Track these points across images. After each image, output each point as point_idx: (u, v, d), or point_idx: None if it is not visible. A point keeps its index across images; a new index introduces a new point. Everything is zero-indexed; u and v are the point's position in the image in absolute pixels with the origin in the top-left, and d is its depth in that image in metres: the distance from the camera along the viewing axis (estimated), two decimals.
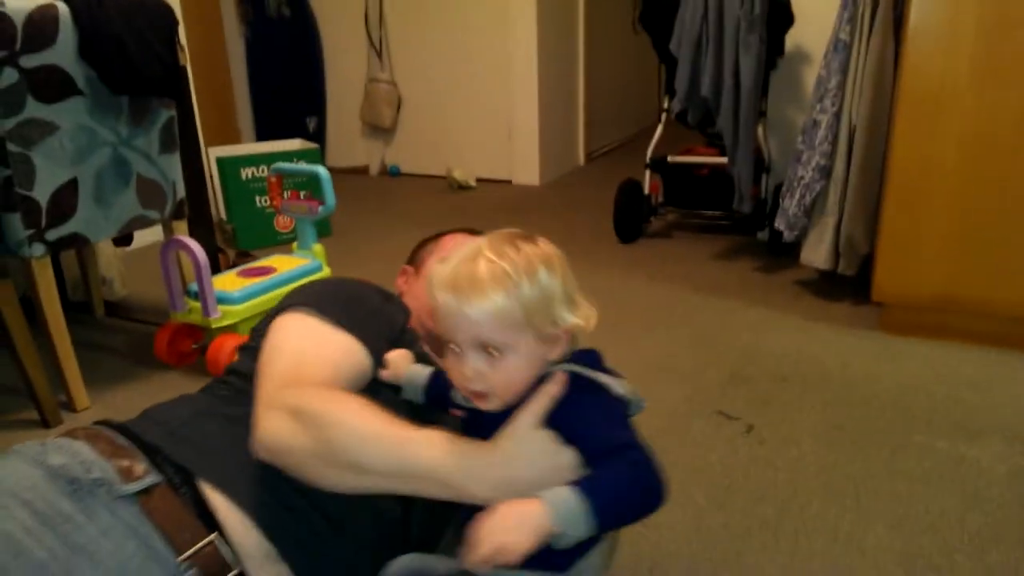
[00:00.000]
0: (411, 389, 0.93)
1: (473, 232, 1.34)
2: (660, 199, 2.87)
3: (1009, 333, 1.81)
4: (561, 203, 3.51)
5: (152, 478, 0.82)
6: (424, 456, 0.75)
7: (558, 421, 0.74)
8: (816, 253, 2.11)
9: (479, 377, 0.74)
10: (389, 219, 3.29)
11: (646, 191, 2.79)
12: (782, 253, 2.45)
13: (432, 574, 0.86)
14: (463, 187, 3.78)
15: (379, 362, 0.95)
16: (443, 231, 1.37)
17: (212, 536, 0.81)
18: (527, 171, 3.84)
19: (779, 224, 2.19)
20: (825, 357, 1.82)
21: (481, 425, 0.77)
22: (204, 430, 0.91)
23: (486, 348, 0.73)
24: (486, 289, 0.71)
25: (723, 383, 1.70)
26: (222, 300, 1.78)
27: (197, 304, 1.77)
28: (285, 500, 0.86)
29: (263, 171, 2.84)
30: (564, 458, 0.73)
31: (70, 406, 1.64)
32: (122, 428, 0.90)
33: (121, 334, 2.12)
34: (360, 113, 4.10)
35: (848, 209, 2.03)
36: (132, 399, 1.70)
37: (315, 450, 0.78)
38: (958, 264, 1.81)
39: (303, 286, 1.12)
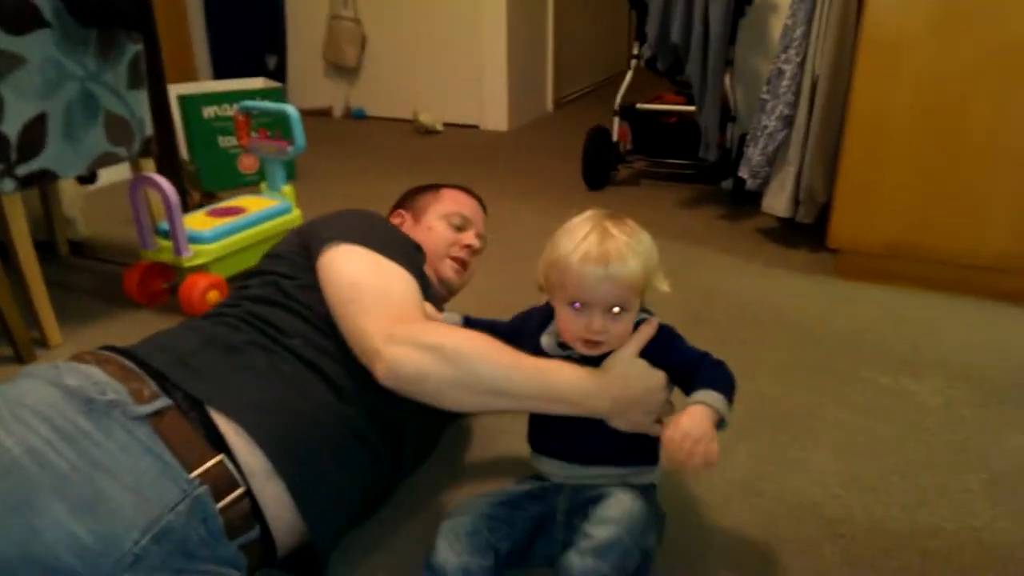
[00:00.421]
0: None
1: (469, 192, 1.40)
2: (628, 147, 2.90)
3: (958, 279, 1.90)
4: (530, 149, 3.52)
5: (162, 401, 0.86)
6: (557, 381, 0.91)
7: (647, 353, 0.96)
8: (777, 201, 2.18)
9: (604, 331, 0.92)
10: (355, 163, 3.27)
11: (614, 138, 2.82)
12: (745, 202, 2.51)
13: (516, 493, 1.01)
14: (430, 131, 3.76)
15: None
16: (439, 184, 1.40)
17: (220, 456, 0.85)
18: (495, 116, 3.83)
19: (742, 172, 2.25)
20: (782, 301, 1.91)
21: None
22: (210, 359, 0.94)
23: (612, 308, 0.92)
24: (627, 259, 0.90)
25: (685, 324, 1.74)
26: (193, 239, 1.78)
27: (167, 243, 1.77)
28: (287, 426, 0.91)
29: (226, 110, 2.79)
30: (658, 377, 0.96)
31: (43, 342, 1.65)
32: (128, 353, 0.92)
33: (87, 274, 2.10)
34: (322, 51, 4.01)
35: (808, 158, 2.10)
36: (104, 337, 1.70)
37: (458, 379, 0.90)
38: (911, 212, 1.90)
39: (332, 218, 1.15)
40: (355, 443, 0.98)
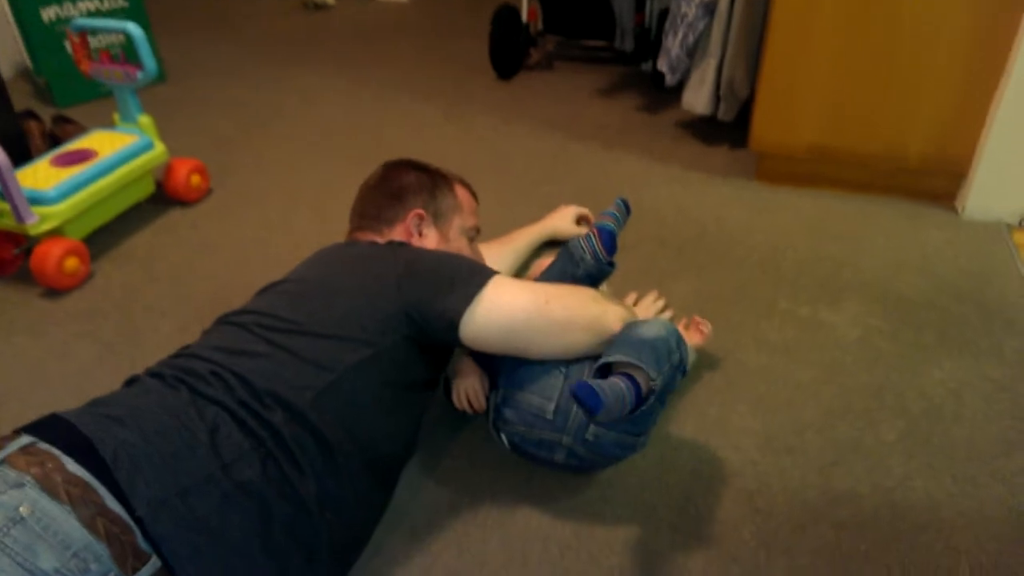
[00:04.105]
0: None
1: (472, 191, 1.29)
2: (539, 27, 2.64)
3: (875, 181, 1.84)
4: (433, 27, 3.19)
5: (150, 568, 0.73)
6: None
7: None
8: (697, 97, 2.02)
9: None
10: (234, 50, 2.90)
11: (524, 19, 2.55)
12: (665, 88, 2.34)
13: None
14: (320, 6, 3.36)
15: None
16: (446, 174, 1.26)
17: None
18: None
19: (661, 65, 2.07)
20: (701, 213, 1.81)
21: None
22: (200, 511, 0.78)
23: None
24: None
25: None
26: (37, 201, 1.53)
27: (7, 206, 1.52)
28: None
29: (70, 10, 2.38)
30: None
31: None
32: (104, 468, 0.74)
33: None
34: None
35: (730, 50, 1.92)
36: None
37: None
38: (836, 113, 1.78)
39: (440, 266, 1.05)
40: None
